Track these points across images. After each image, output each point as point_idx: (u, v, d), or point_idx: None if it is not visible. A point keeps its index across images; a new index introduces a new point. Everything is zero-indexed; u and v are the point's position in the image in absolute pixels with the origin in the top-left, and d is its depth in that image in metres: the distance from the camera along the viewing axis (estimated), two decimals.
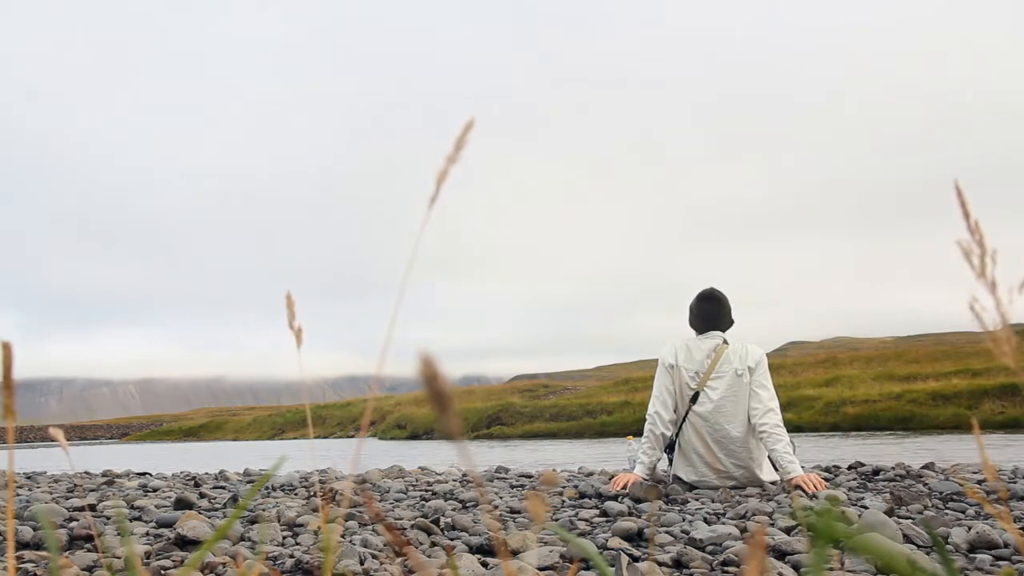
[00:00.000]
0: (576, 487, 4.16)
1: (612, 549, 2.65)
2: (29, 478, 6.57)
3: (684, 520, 3.18)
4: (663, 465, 4.40)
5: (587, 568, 2.42)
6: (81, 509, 3.88)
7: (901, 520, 2.89)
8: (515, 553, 2.59)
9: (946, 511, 3.31)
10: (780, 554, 2.53)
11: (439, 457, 12.37)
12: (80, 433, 53.45)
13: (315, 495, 4.19)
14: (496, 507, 3.73)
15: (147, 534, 3.09)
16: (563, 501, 3.92)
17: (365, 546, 2.71)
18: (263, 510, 3.53)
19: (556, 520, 3.35)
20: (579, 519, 3.33)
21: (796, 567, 2.40)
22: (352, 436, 32.21)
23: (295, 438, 34.89)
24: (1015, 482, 3.99)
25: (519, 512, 3.58)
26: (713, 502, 3.69)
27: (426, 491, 4.50)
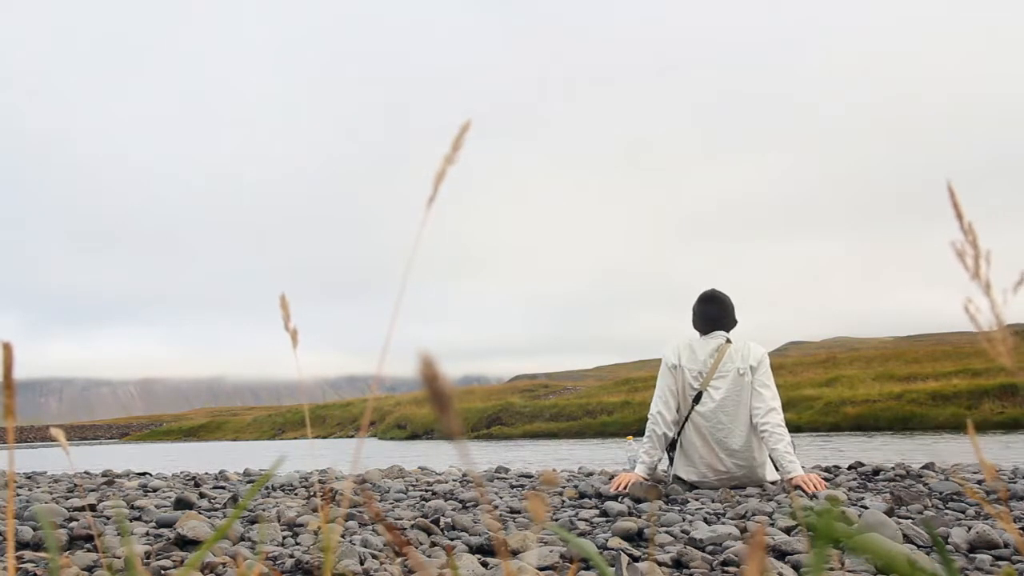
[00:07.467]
0: (576, 487, 4.16)
1: (612, 549, 2.65)
2: (29, 478, 6.57)
3: (684, 520, 3.18)
4: (663, 465, 4.41)
5: (587, 568, 2.42)
6: (81, 509, 3.88)
7: (901, 520, 2.89)
8: (515, 553, 2.59)
9: (946, 511, 3.31)
10: (780, 554, 2.53)
11: (439, 457, 12.36)
12: (80, 433, 53.39)
13: (315, 495, 4.19)
14: (496, 507, 3.73)
15: (147, 534, 3.09)
16: (563, 501, 3.92)
17: (365, 546, 2.71)
18: (263, 510, 3.53)
19: (556, 520, 3.35)
20: (579, 519, 3.33)
21: (796, 567, 2.40)
22: (352, 436, 32.21)
23: (295, 438, 34.88)
24: (1015, 482, 3.99)
25: (519, 512, 3.58)
26: (713, 502, 3.69)
27: (426, 491, 4.49)
